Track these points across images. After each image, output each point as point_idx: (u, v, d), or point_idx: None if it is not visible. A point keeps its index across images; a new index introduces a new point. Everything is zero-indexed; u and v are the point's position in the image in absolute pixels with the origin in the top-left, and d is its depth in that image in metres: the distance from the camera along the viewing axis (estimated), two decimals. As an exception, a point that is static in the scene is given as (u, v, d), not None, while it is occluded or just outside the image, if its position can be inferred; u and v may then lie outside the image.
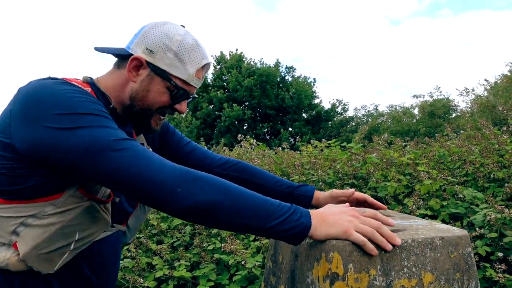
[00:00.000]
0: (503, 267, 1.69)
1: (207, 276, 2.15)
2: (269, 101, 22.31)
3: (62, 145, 0.75)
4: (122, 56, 0.99)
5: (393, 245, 0.84)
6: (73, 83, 0.86)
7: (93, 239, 0.93)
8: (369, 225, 0.83)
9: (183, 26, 1.00)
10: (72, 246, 0.86)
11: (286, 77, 25.12)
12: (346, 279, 0.84)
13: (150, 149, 1.10)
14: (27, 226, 0.81)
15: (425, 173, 2.48)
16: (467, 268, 0.92)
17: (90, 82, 0.97)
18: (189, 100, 1.04)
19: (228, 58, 23.95)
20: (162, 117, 1.03)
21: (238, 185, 0.82)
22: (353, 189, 1.20)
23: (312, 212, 0.84)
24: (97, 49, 1.00)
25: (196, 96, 1.02)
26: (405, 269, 0.86)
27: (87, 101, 0.81)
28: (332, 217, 0.83)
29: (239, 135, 4.38)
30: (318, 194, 1.23)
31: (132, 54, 0.95)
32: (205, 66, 1.01)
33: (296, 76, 25.11)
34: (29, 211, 0.82)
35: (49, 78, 0.86)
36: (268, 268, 1.19)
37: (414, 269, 0.86)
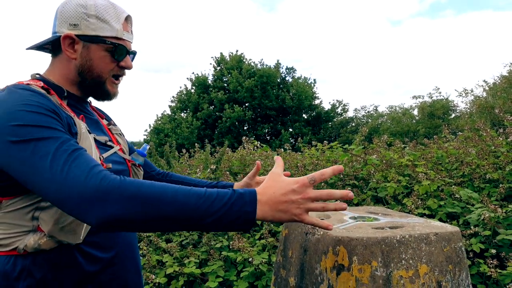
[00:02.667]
0: (495, 263, 1.80)
1: (216, 272, 2.26)
2: (269, 102, 22.42)
3: (8, 158, 0.81)
4: (53, 44, 1.03)
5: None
6: (28, 86, 0.92)
7: None
8: (317, 204, 0.82)
9: None
10: None
11: (287, 78, 25.22)
12: (351, 269, 0.95)
13: (124, 138, 1.18)
14: (42, 209, 0.88)
15: (423, 174, 2.59)
16: (459, 261, 1.03)
17: (39, 78, 1.01)
18: (130, 55, 1.08)
19: (228, 59, 24.06)
20: (116, 80, 1.08)
21: (171, 185, 0.79)
22: (254, 170, 1.27)
23: (261, 198, 0.80)
24: (29, 48, 1.05)
25: (136, 51, 1.11)
26: (403, 261, 0.96)
27: (34, 112, 0.84)
28: (282, 205, 0.81)
29: (244, 138, 4.46)
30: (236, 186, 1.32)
31: (60, 36, 0.99)
32: (128, 19, 1.06)
33: (296, 77, 25.23)
34: (37, 196, 0.88)
35: (7, 89, 0.91)
36: (278, 262, 1.30)
37: (411, 261, 0.97)
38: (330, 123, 25.12)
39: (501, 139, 3.02)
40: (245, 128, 22.81)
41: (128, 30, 1.06)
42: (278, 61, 28.82)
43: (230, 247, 2.35)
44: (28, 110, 0.84)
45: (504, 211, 2.01)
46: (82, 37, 0.99)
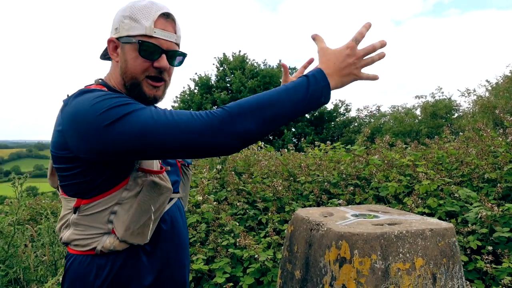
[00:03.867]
0: (490, 258, 1.88)
1: (223, 269, 2.34)
2: (272, 102, 22.43)
3: (113, 137, 0.86)
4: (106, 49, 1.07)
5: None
6: (93, 88, 0.98)
7: (165, 207, 1.07)
8: (367, 55, 1.00)
9: None
10: (153, 217, 1.01)
11: (289, 78, 25.24)
12: (352, 262, 1.03)
13: None
14: (115, 214, 0.97)
15: (423, 174, 2.67)
16: (452, 255, 1.11)
17: (102, 83, 1.06)
18: (170, 55, 1.04)
19: (231, 59, 24.15)
20: (153, 82, 1.04)
21: (260, 94, 0.93)
22: (284, 72, 1.33)
23: (328, 71, 0.96)
24: (100, 57, 1.13)
25: (178, 50, 1.06)
26: (400, 254, 1.05)
27: (110, 97, 0.91)
28: (345, 70, 0.98)
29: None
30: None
31: None
32: (164, 16, 1.02)
33: (299, 77, 25.20)
34: (112, 200, 0.96)
35: (78, 93, 0.96)
36: (284, 257, 1.38)
37: (408, 254, 1.05)
38: (333, 123, 25.13)
39: (500, 139, 3.09)
40: (248, 128, 22.81)
41: (163, 27, 1.01)
42: (280, 61, 28.87)
43: (237, 244, 2.43)
44: (104, 98, 0.90)
45: (500, 209, 2.09)
46: (120, 39, 1.01)
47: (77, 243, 0.99)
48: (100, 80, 1.07)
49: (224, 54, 24.64)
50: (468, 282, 1.83)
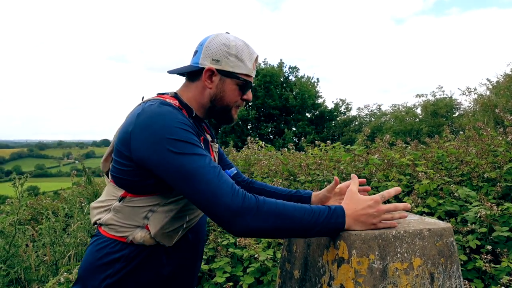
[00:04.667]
0: (489, 258, 1.89)
1: (223, 268, 2.35)
2: (273, 101, 22.50)
3: (163, 161, 0.99)
4: (190, 73, 1.22)
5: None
6: (170, 102, 1.12)
7: (197, 219, 1.21)
8: (388, 216, 1.08)
9: (228, 33, 1.25)
10: (184, 225, 1.15)
11: (290, 77, 25.29)
12: (351, 262, 1.03)
13: (218, 143, 1.37)
14: (154, 212, 1.09)
15: (423, 173, 2.67)
16: (450, 254, 1.11)
17: (176, 97, 1.20)
18: (252, 89, 1.28)
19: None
20: (237, 108, 1.27)
21: (289, 203, 1.02)
22: (333, 184, 1.38)
23: (347, 212, 1.04)
24: (170, 72, 1.25)
25: (254, 84, 1.31)
26: (398, 254, 1.05)
27: (187, 130, 1.04)
28: (363, 217, 1.05)
29: (248, 138, 4.54)
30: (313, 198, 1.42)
31: (203, 68, 1.18)
32: (256, 59, 1.25)
33: (299, 76, 25.28)
34: (154, 201, 1.09)
35: (158, 103, 1.09)
36: (283, 256, 1.39)
37: (406, 254, 1.06)
38: (333, 122, 25.12)
39: (500, 138, 3.09)
40: (248, 127, 22.89)
41: (255, 68, 1.24)
42: (281, 60, 28.85)
43: (237, 244, 2.44)
44: (182, 128, 1.03)
45: (500, 209, 2.09)
46: (221, 72, 1.18)
47: (113, 228, 1.11)
48: (174, 93, 1.21)
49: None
50: (467, 282, 1.83)
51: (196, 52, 1.22)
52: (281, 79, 24.01)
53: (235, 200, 0.96)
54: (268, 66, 23.96)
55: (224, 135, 21.11)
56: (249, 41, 1.25)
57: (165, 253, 1.15)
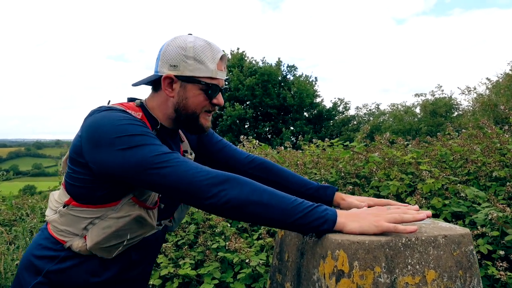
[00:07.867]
0: (505, 265, 1.71)
1: (212, 274, 2.17)
2: (270, 100, 22.31)
3: (119, 162, 0.94)
4: (154, 81, 1.13)
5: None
6: (125, 110, 1.06)
7: (142, 237, 1.12)
8: (394, 213, 0.94)
9: (191, 34, 1.13)
10: (125, 243, 1.07)
11: (288, 76, 25.11)
12: (352, 276, 0.86)
13: (193, 155, 1.28)
14: (94, 225, 1.04)
15: (427, 172, 2.50)
16: (470, 266, 0.94)
17: (141, 105, 1.13)
18: (222, 92, 1.16)
19: (230, 57, 23.94)
20: (208, 114, 1.16)
21: (264, 185, 0.95)
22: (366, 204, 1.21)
23: (339, 211, 0.94)
24: (133, 84, 1.16)
25: (227, 86, 1.13)
26: (409, 266, 0.88)
27: (135, 124, 0.98)
28: (360, 214, 0.94)
29: (241, 136, 4.39)
30: (339, 199, 1.24)
31: (161, 76, 1.09)
32: (222, 58, 1.13)
33: (297, 75, 25.11)
34: (96, 213, 1.03)
35: (106, 108, 1.04)
36: (274, 266, 1.21)
37: (417, 266, 0.89)
38: (331, 122, 25.01)
39: (507, 136, 2.93)
40: (246, 126, 22.73)
41: (222, 68, 1.12)
42: (279, 59, 28.67)
43: (227, 247, 2.26)
44: (127, 123, 0.98)
45: (512, 210, 1.92)
46: (180, 77, 1.08)
47: (55, 229, 1.08)
48: (139, 102, 1.14)
49: (222, 51, 24.48)
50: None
51: (156, 59, 1.13)
52: (279, 78, 23.82)
53: (203, 174, 0.93)
54: (266, 65, 23.77)
55: (222, 134, 20.93)
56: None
57: (101, 264, 1.09)
